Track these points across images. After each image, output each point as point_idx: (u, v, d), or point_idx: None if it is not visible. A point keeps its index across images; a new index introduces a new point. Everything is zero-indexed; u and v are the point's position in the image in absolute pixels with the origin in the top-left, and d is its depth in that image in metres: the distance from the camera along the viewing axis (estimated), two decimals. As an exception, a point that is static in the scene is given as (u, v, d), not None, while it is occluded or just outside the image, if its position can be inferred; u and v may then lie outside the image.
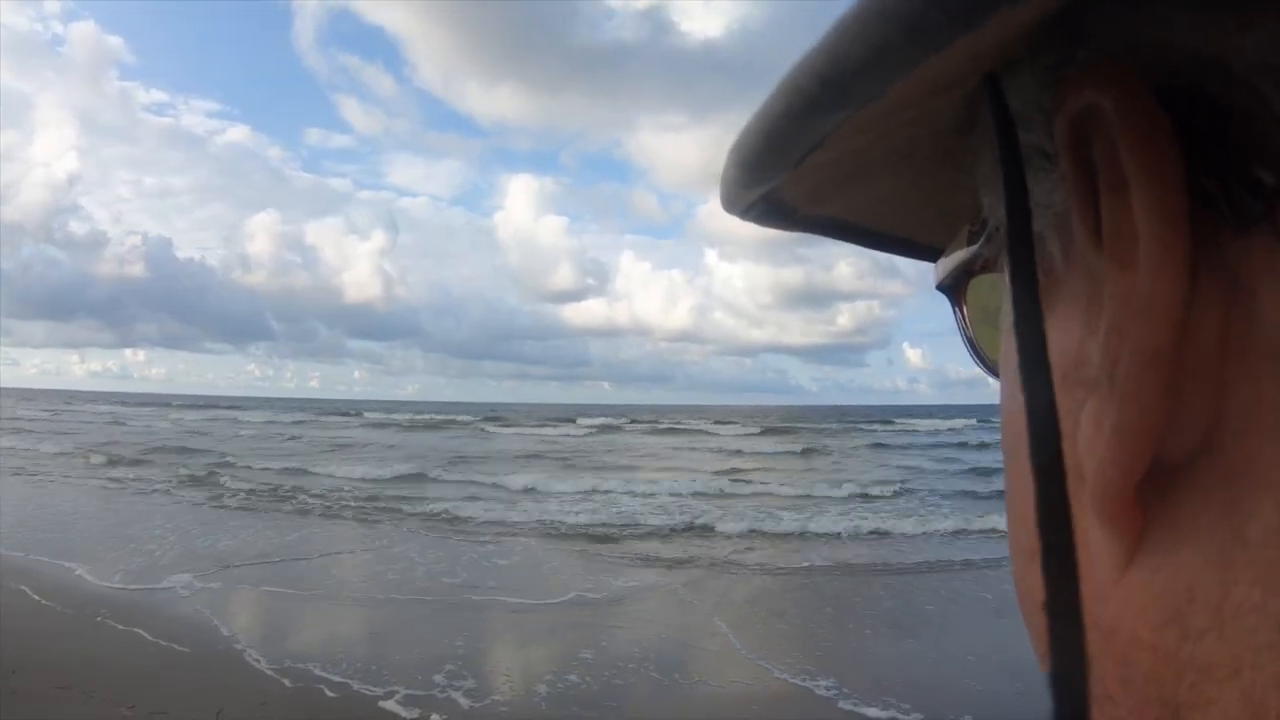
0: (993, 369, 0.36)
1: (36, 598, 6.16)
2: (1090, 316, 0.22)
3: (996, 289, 0.35)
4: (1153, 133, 0.19)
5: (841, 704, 4.44)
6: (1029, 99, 0.22)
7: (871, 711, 4.34)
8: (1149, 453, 0.19)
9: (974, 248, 0.32)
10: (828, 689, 4.64)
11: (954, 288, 0.37)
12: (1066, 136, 0.21)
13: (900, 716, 4.28)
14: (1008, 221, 0.21)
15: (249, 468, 16.70)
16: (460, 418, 45.35)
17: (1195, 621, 0.18)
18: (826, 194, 0.32)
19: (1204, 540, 0.18)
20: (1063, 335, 0.23)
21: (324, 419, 44.44)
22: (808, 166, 0.26)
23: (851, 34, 0.19)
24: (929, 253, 0.40)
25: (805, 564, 8.23)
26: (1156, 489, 0.20)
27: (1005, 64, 0.22)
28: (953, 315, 0.39)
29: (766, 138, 0.25)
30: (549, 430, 35.60)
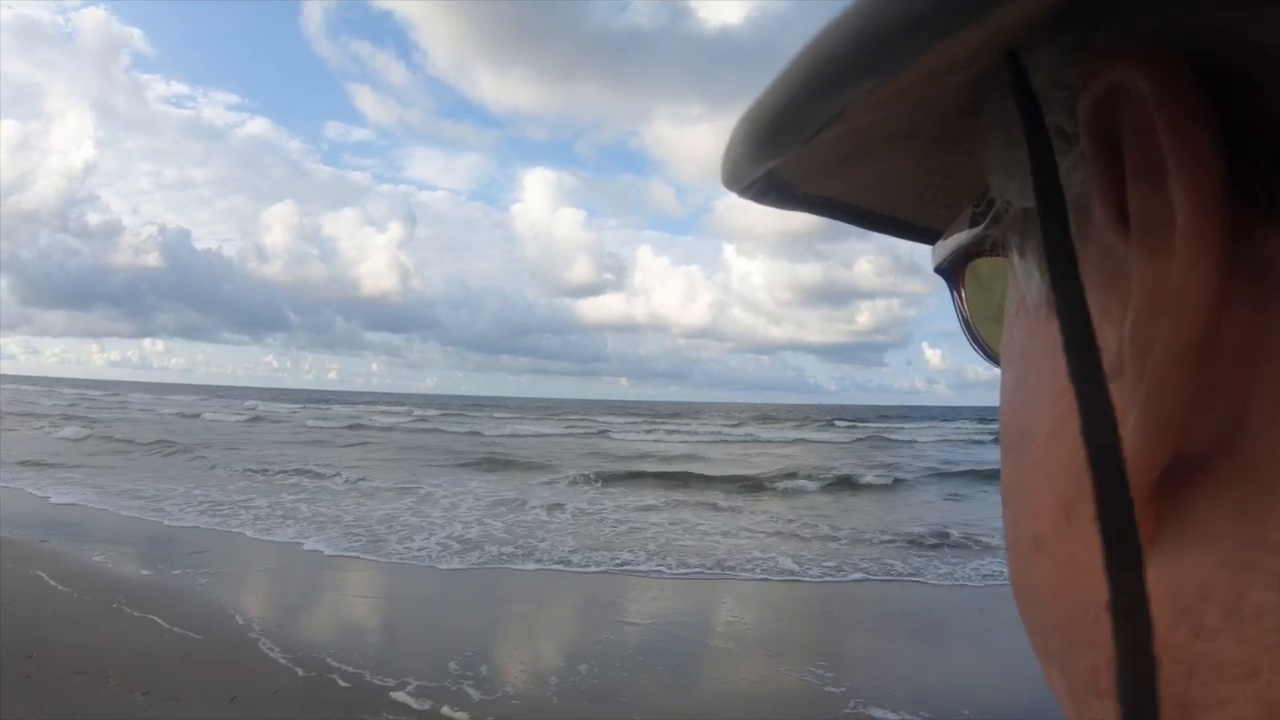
0: (990, 354, 0.36)
1: (53, 583, 6.24)
2: (1106, 302, 0.21)
3: (998, 273, 0.35)
4: (1193, 115, 0.18)
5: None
6: (1048, 76, 0.21)
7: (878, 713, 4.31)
8: (1173, 447, 0.19)
9: (977, 230, 0.31)
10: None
11: (952, 271, 0.37)
12: (1091, 114, 0.20)
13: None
14: (1039, 202, 0.20)
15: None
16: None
17: (1209, 620, 0.18)
18: (825, 173, 0.31)
19: (1220, 539, 0.18)
20: None
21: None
22: (812, 144, 0.25)
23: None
24: (926, 235, 0.39)
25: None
26: (1171, 485, 0.19)
27: (1027, 40, 0.21)
28: (951, 299, 0.39)
29: (782, 110, 0.23)
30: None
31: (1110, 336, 0.21)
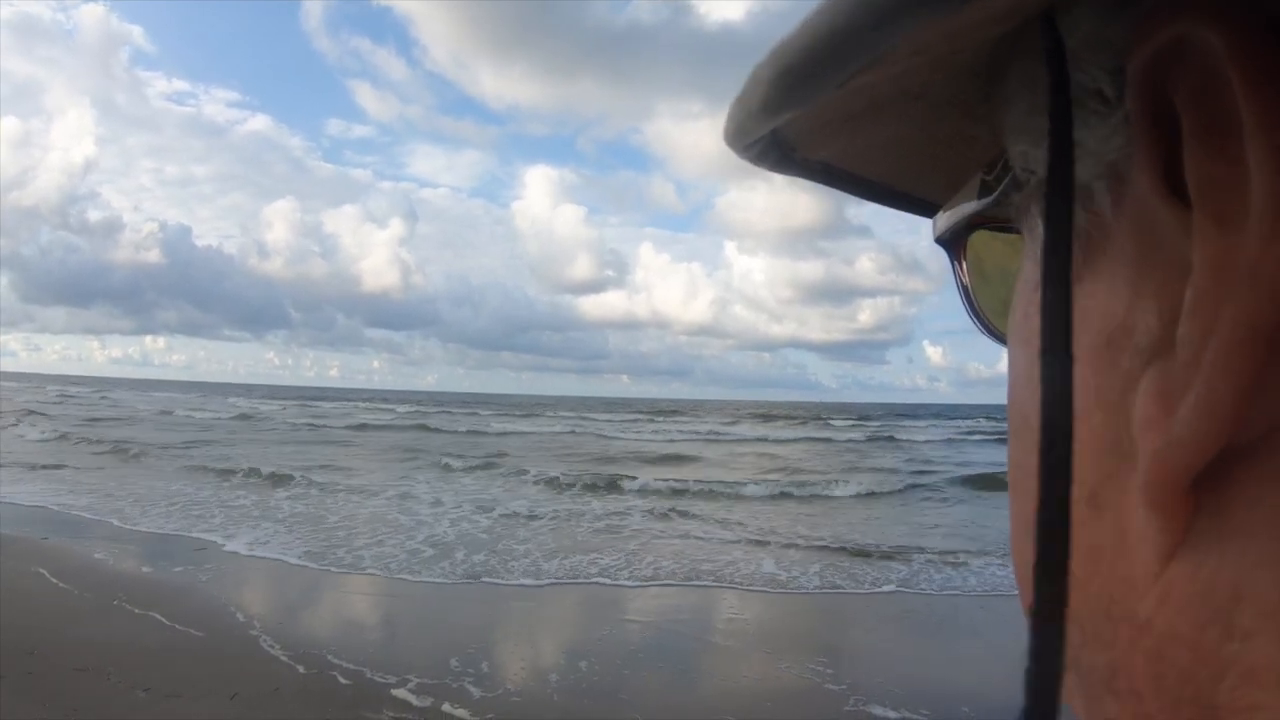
0: (994, 331, 0.36)
1: (55, 580, 6.23)
2: (1143, 276, 0.20)
3: (1002, 244, 0.34)
4: (1274, 73, 0.16)
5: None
6: (1086, 36, 0.20)
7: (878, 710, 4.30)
8: (1226, 435, 0.17)
9: (988, 199, 0.29)
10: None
11: (954, 242, 0.36)
12: (1144, 72, 0.18)
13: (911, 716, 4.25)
14: (1049, 171, 0.19)
15: None
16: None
17: (1243, 621, 0.17)
18: (828, 135, 0.30)
19: (1260, 535, 0.17)
20: (1108, 296, 0.21)
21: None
22: (826, 99, 0.23)
23: None
24: (923, 207, 0.38)
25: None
26: (1211, 473, 0.18)
27: None
28: (952, 271, 0.37)
29: (824, 45, 0.20)
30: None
31: (1148, 312, 0.19)
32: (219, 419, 31.42)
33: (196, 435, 22.53)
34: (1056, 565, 0.18)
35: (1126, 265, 0.20)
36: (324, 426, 29.26)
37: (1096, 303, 0.21)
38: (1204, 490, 0.18)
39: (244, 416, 33.44)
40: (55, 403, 38.44)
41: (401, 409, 47.43)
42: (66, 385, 74.52)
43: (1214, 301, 0.17)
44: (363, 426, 29.65)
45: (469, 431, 28.39)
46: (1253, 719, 0.17)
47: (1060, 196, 0.19)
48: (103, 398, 47.68)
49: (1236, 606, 0.17)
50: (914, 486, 14.11)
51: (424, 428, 29.46)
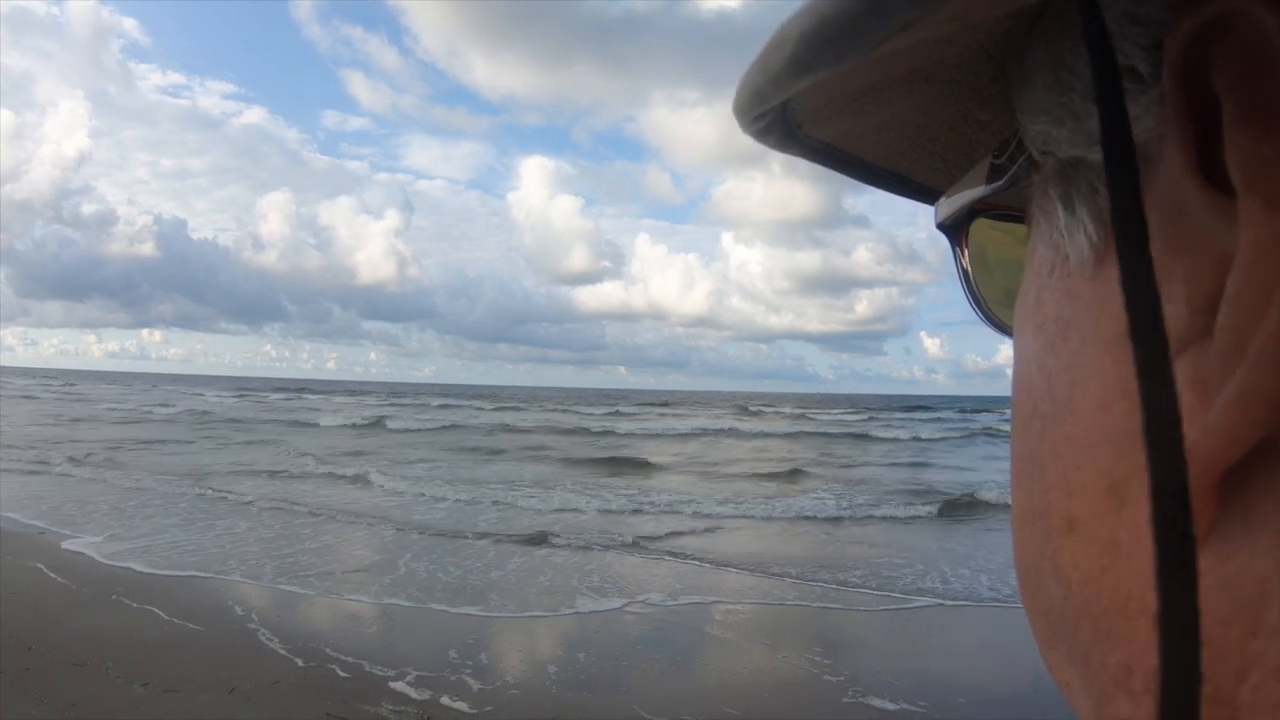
0: (995, 320, 0.35)
1: (52, 575, 6.24)
2: (1171, 261, 0.19)
3: (1003, 233, 0.33)
4: None
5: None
6: (1121, 11, 0.19)
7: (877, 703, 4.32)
8: (1267, 425, 0.17)
9: (998, 183, 0.28)
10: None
11: (955, 228, 0.35)
12: (1185, 50, 0.18)
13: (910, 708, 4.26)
14: (1106, 156, 0.18)
15: None
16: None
17: (1269, 618, 0.17)
18: (833, 112, 0.29)
19: None
20: None
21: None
22: (840, 72, 0.22)
23: None
24: (923, 193, 0.37)
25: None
26: (1238, 468, 0.17)
27: None
28: (953, 257, 0.37)
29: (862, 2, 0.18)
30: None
31: (1176, 299, 0.19)
32: (151, 414, 29.67)
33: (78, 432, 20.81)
34: (1183, 566, 0.16)
35: (1153, 250, 0.19)
36: (252, 421, 27.65)
37: (1119, 289, 0.20)
38: (1231, 483, 0.18)
39: (191, 411, 31.67)
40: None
41: (370, 401, 46.90)
42: (20, 378, 73.65)
43: (1263, 287, 0.16)
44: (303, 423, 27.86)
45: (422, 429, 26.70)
46: (1277, 718, 0.16)
47: (1123, 173, 0.18)
48: (45, 387, 46.79)
49: (1263, 603, 0.17)
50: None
51: (381, 425, 27.97)
